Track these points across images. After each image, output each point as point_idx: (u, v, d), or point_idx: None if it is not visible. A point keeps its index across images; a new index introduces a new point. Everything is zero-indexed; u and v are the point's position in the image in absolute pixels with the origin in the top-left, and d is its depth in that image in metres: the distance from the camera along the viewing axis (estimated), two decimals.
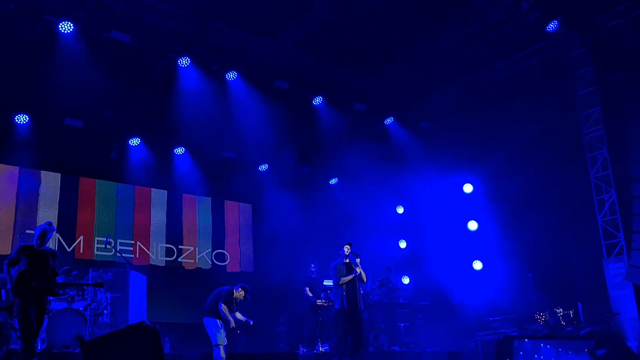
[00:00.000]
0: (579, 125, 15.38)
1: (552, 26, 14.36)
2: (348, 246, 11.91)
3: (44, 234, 9.11)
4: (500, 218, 16.48)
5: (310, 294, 14.64)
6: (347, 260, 11.83)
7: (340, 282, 11.59)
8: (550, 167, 15.80)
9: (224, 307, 11.49)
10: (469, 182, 17.95)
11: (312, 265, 15.19)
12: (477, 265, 17.56)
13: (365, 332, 13.22)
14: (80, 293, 11.86)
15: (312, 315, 14.52)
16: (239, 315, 11.89)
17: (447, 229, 17.80)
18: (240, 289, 11.83)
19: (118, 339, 8.04)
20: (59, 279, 10.81)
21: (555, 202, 15.94)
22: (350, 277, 11.62)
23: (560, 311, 14.41)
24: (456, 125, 17.28)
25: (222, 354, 11.29)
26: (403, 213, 19.65)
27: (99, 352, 7.69)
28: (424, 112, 18.14)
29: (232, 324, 11.58)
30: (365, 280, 12.10)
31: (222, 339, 11.39)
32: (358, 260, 11.83)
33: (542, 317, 14.46)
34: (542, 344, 3.92)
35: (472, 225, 17.93)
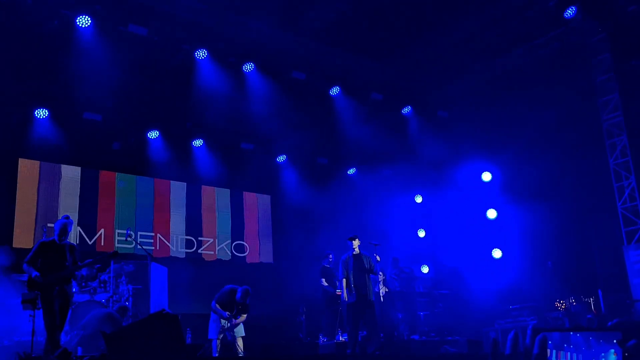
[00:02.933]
0: (597, 111, 15.27)
1: (570, 12, 14.27)
2: (356, 241, 11.97)
3: (65, 228, 9.28)
4: (519, 206, 16.39)
5: (327, 284, 14.66)
6: (357, 252, 11.90)
7: (336, 291, 11.72)
8: (569, 154, 15.66)
9: (216, 305, 12.05)
10: (488, 171, 17.84)
11: (330, 255, 15.18)
12: (497, 253, 17.48)
13: (388, 321, 13.36)
14: (102, 285, 12.04)
15: (330, 305, 14.54)
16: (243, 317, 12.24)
17: (466, 217, 17.75)
18: (241, 292, 12.07)
19: (139, 328, 8.14)
20: (83, 271, 10.98)
21: (575, 189, 15.81)
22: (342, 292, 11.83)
23: (580, 299, 14.35)
24: (474, 113, 17.21)
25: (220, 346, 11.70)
26: (422, 202, 19.63)
27: (123, 342, 7.79)
28: (441, 100, 18.11)
29: (227, 315, 11.98)
30: (375, 271, 12.03)
31: (238, 331, 11.77)
32: (376, 255, 11.88)
33: (562, 305, 14.41)
34: (571, 333, 3.92)
35: (491, 214, 17.86)
